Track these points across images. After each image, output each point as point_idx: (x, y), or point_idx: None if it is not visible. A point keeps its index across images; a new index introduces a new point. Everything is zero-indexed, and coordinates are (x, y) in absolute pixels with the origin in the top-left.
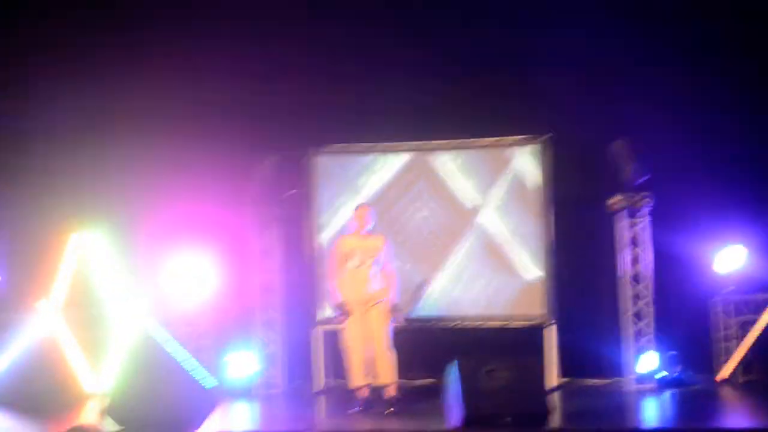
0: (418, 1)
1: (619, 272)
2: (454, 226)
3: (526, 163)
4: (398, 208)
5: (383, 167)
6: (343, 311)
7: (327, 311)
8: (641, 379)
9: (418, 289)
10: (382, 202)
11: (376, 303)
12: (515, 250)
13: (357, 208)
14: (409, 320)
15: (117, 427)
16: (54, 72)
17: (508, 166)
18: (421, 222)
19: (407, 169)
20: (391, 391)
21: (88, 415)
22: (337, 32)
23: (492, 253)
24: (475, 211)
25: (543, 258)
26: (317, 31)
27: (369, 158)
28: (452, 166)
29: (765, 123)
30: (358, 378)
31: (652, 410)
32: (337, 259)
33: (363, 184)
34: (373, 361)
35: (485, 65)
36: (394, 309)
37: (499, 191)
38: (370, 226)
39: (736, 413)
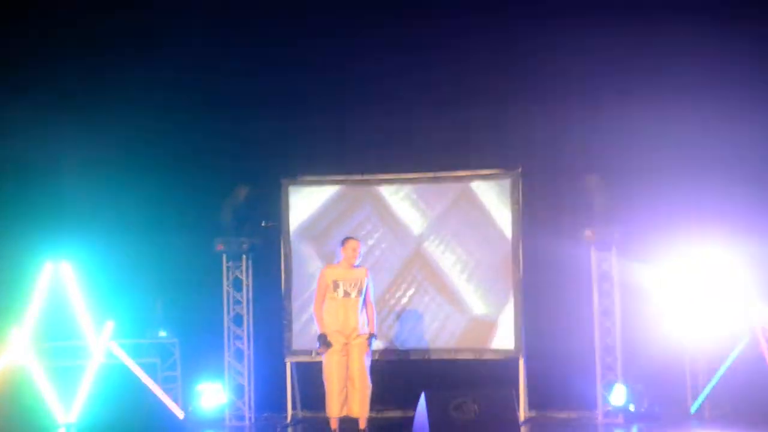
0: (390, 34)
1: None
2: (411, 258)
3: (495, 196)
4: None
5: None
6: (323, 342)
7: (297, 343)
8: (609, 413)
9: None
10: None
11: (359, 335)
12: (471, 283)
13: (347, 240)
14: (379, 352)
15: None
16: (29, 100)
17: (478, 200)
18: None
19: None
20: (362, 425)
21: None
22: (311, 62)
23: (443, 287)
24: (431, 243)
25: (512, 292)
26: (291, 62)
27: (340, 189)
28: (411, 198)
29: (739, 158)
30: (333, 408)
31: None
32: (318, 290)
33: (334, 213)
34: (347, 392)
35: (459, 99)
36: (371, 338)
37: (460, 223)
38: (357, 258)
39: None
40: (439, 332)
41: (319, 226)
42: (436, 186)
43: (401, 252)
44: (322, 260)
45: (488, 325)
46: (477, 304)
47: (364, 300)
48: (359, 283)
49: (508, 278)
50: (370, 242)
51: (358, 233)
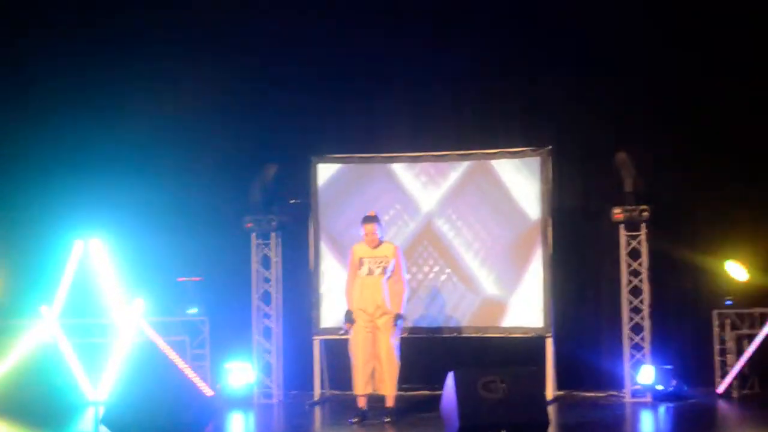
0: (417, 12)
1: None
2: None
3: (526, 174)
4: (401, 218)
5: (387, 177)
6: (349, 319)
7: (325, 321)
8: (637, 392)
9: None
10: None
11: (384, 313)
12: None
13: (365, 218)
14: (407, 329)
15: None
16: (56, 76)
17: (508, 178)
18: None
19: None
20: (389, 402)
21: (85, 422)
22: (339, 41)
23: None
24: (470, 223)
25: (542, 271)
26: (319, 40)
27: (372, 168)
28: (455, 176)
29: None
30: (359, 386)
31: (647, 423)
32: (349, 268)
33: (366, 193)
34: (375, 370)
35: (486, 76)
36: (398, 317)
37: (497, 203)
38: (378, 236)
39: (731, 427)
40: (456, 311)
41: (339, 203)
42: (469, 164)
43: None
44: (333, 240)
45: (500, 306)
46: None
47: (394, 277)
48: (384, 261)
49: (528, 257)
50: (398, 221)
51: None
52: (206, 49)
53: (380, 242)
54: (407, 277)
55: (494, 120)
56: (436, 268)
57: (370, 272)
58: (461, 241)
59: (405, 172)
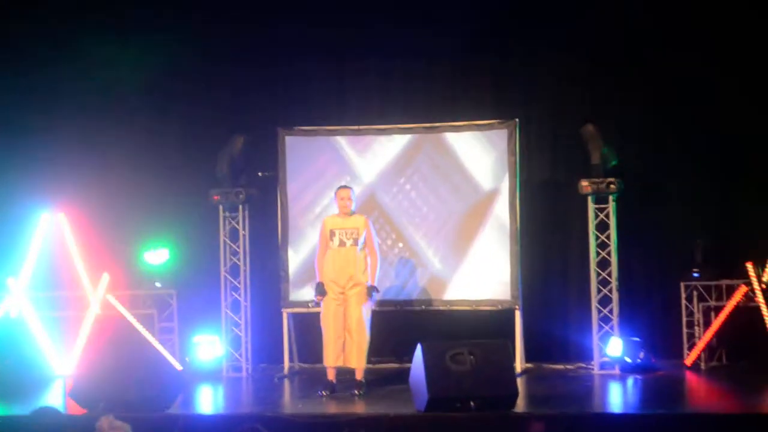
0: None
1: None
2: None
3: (492, 147)
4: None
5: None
6: (320, 291)
7: (294, 294)
8: (606, 364)
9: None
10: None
11: (355, 284)
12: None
13: (337, 189)
14: (376, 303)
15: (82, 409)
16: (17, 50)
17: (475, 151)
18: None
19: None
20: (358, 375)
21: (53, 396)
22: (308, 14)
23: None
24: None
25: (509, 244)
26: (288, 12)
27: (339, 139)
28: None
29: (735, 111)
30: (329, 357)
31: (616, 395)
32: (320, 240)
33: (334, 164)
34: (345, 342)
35: (456, 50)
36: (371, 289)
37: (462, 177)
38: (350, 207)
39: (699, 398)
40: (423, 284)
41: (317, 174)
42: (434, 136)
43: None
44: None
45: (468, 279)
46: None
47: (366, 249)
48: (355, 233)
49: (496, 230)
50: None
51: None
52: (174, 19)
53: (352, 212)
54: (378, 248)
55: (463, 93)
56: (400, 244)
57: (342, 243)
58: (429, 215)
59: (372, 145)
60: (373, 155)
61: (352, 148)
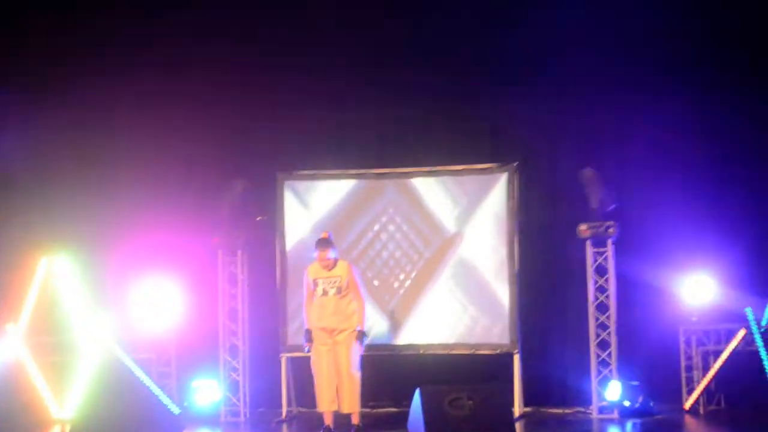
0: (388, 30)
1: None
2: (414, 253)
3: (493, 191)
4: (360, 233)
5: (349, 193)
6: (308, 338)
7: (292, 338)
8: (605, 408)
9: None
10: (348, 227)
11: (342, 330)
12: (482, 279)
13: (318, 241)
14: (373, 347)
15: None
16: (23, 97)
17: (475, 195)
18: (385, 248)
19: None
20: (354, 420)
21: None
22: (306, 60)
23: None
24: (450, 238)
25: (508, 288)
26: (286, 58)
27: (336, 184)
28: (417, 191)
29: (732, 155)
30: (323, 402)
31: None
32: (305, 288)
33: (329, 209)
34: (338, 388)
35: (455, 96)
36: (360, 334)
37: (465, 219)
38: (331, 255)
39: None
40: (423, 328)
41: (314, 220)
42: (434, 179)
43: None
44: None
45: (467, 322)
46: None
47: (351, 294)
48: (338, 281)
49: (494, 274)
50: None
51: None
52: (174, 60)
53: (335, 264)
54: (364, 292)
55: (462, 138)
56: (407, 282)
57: (325, 293)
58: (426, 259)
59: (371, 188)
60: (371, 201)
61: (351, 194)
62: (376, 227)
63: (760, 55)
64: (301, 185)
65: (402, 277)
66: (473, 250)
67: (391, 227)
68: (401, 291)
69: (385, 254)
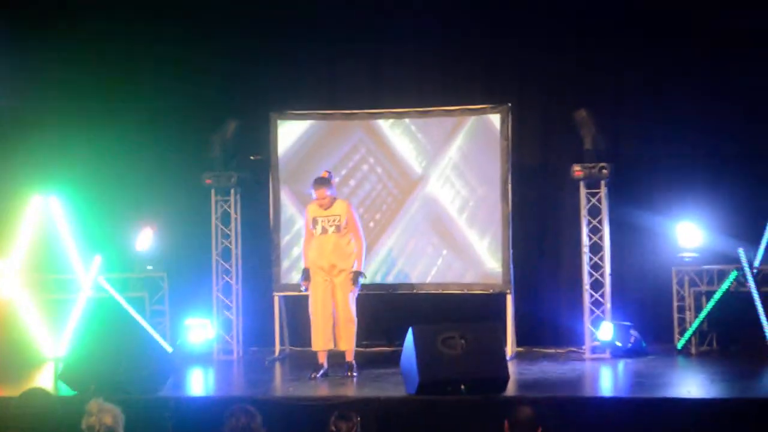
0: None
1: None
2: (403, 193)
3: (485, 131)
4: (353, 174)
5: (342, 133)
6: (305, 277)
7: (285, 277)
8: (597, 348)
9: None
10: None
11: (340, 270)
12: (468, 221)
13: (315, 180)
14: (367, 287)
15: (72, 391)
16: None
17: (467, 135)
18: (372, 188)
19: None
20: (348, 357)
21: (44, 378)
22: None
23: (441, 223)
24: (426, 179)
25: (500, 228)
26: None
27: (328, 124)
28: (406, 132)
29: (730, 94)
30: (318, 342)
31: (606, 379)
32: (305, 225)
33: (322, 149)
34: (333, 326)
35: (448, 35)
36: (356, 274)
37: (454, 160)
38: (329, 193)
39: (689, 383)
40: (416, 266)
41: (301, 159)
42: (425, 120)
43: (396, 187)
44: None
45: (460, 262)
46: (486, 255)
47: (349, 234)
48: (337, 220)
49: (489, 214)
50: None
51: (344, 165)
52: (164, 5)
53: (332, 202)
54: (363, 232)
55: (455, 78)
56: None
57: (324, 231)
58: (419, 198)
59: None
60: (368, 140)
61: (342, 130)
62: (365, 167)
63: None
64: (294, 125)
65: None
66: (466, 189)
67: (379, 169)
68: (396, 229)
69: (367, 186)
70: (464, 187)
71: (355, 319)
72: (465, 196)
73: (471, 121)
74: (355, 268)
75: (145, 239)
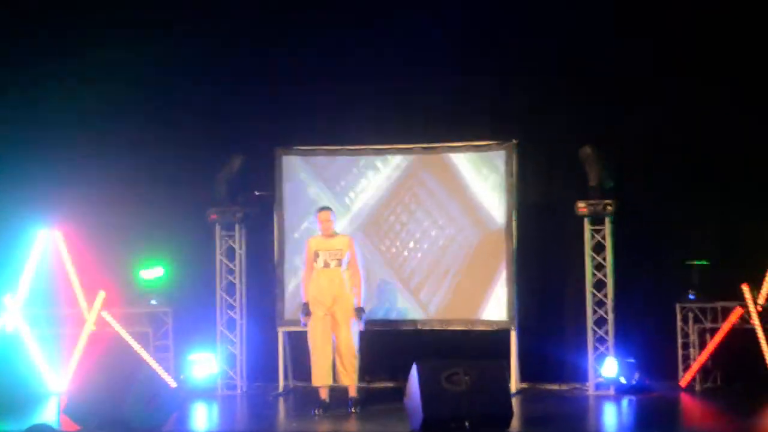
0: (388, 6)
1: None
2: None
3: (493, 168)
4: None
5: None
6: (305, 312)
7: (289, 312)
8: (601, 385)
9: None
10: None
11: (340, 305)
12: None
13: (318, 211)
14: (370, 322)
15: (76, 427)
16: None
17: (472, 171)
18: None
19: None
20: (352, 392)
21: (48, 413)
22: (305, 32)
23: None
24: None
25: (504, 264)
26: (286, 31)
27: (339, 160)
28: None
29: (733, 132)
30: (318, 377)
31: (611, 416)
32: (306, 259)
33: (337, 184)
34: (335, 361)
35: (455, 72)
36: (359, 311)
37: (459, 195)
38: (333, 228)
39: (694, 420)
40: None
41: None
42: (433, 157)
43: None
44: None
45: (465, 299)
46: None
47: (350, 269)
48: (339, 254)
49: (493, 251)
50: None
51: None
52: (173, 39)
53: (335, 233)
54: (363, 268)
55: (461, 115)
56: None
57: (326, 265)
58: (427, 234)
59: (371, 165)
60: (369, 177)
61: (350, 169)
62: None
63: None
64: (300, 160)
65: (405, 252)
66: (471, 226)
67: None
68: (401, 264)
69: (385, 227)
70: (468, 223)
71: (358, 355)
72: (471, 231)
73: (476, 157)
74: (356, 305)
75: (151, 274)
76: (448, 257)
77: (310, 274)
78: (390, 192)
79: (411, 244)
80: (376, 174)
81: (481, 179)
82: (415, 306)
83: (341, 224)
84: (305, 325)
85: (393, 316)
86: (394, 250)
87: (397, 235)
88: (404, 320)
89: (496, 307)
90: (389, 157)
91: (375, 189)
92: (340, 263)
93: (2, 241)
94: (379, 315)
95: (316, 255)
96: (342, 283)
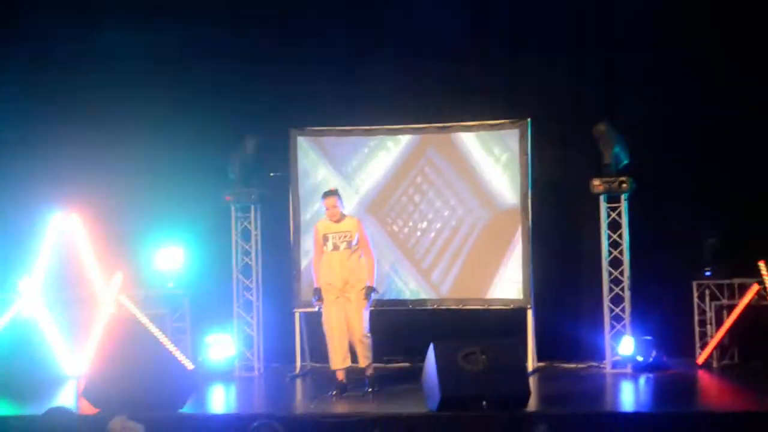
0: None
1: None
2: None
3: (506, 146)
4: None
5: (371, 150)
6: (317, 295)
7: (305, 293)
8: (618, 363)
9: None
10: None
11: (353, 286)
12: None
13: (324, 196)
14: (383, 302)
15: (95, 410)
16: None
17: (486, 150)
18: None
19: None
20: (368, 371)
21: (67, 396)
22: (319, 12)
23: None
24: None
25: (520, 243)
26: (300, 10)
27: (353, 140)
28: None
29: (750, 108)
30: (336, 361)
31: (628, 394)
32: (315, 244)
33: (346, 165)
34: (351, 343)
35: (466, 47)
36: (368, 290)
37: (474, 174)
38: (339, 210)
39: (711, 397)
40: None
41: (321, 175)
42: (447, 136)
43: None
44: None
45: (481, 278)
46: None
47: (360, 251)
48: (348, 236)
49: (508, 230)
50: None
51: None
52: (184, 20)
53: (342, 216)
54: (373, 248)
55: (475, 93)
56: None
57: (335, 248)
58: (439, 214)
59: (383, 145)
60: (381, 156)
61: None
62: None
63: None
64: (314, 140)
65: (417, 233)
66: (482, 207)
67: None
68: (417, 244)
69: (397, 208)
70: (484, 201)
71: (370, 335)
72: (484, 210)
73: (488, 136)
74: (367, 284)
75: (167, 256)
76: (460, 237)
77: (320, 259)
78: (401, 173)
79: (423, 225)
80: (388, 154)
81: (493, 159)
82: (427, 287)
83: (351, 205)
84: (319, 309)
85: (405, 296)
86: (406, 230)
87: (410, 215)
88: (420, 299)
89: (510, 286)
90: (401, 137)
91: (385, 170)
92: (349, 245)
93: (18, 225)
94: (392, 296)
95: (325, 238)
96: (352, 265)
